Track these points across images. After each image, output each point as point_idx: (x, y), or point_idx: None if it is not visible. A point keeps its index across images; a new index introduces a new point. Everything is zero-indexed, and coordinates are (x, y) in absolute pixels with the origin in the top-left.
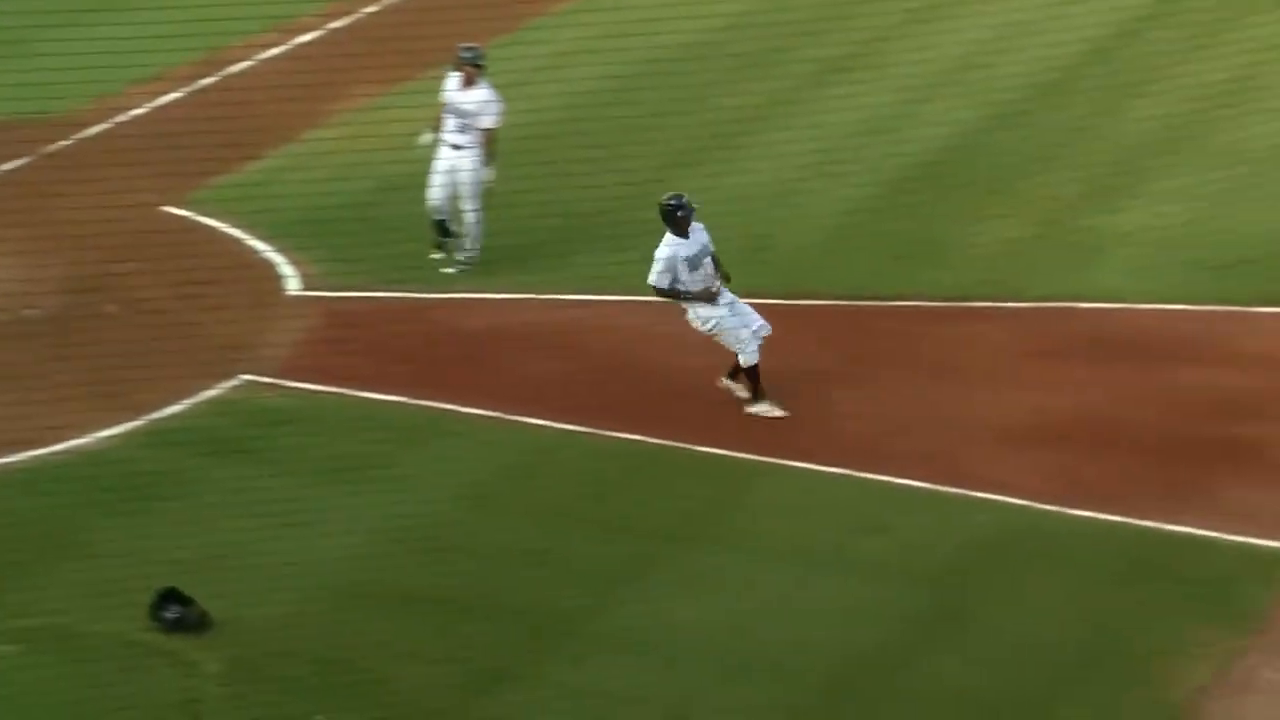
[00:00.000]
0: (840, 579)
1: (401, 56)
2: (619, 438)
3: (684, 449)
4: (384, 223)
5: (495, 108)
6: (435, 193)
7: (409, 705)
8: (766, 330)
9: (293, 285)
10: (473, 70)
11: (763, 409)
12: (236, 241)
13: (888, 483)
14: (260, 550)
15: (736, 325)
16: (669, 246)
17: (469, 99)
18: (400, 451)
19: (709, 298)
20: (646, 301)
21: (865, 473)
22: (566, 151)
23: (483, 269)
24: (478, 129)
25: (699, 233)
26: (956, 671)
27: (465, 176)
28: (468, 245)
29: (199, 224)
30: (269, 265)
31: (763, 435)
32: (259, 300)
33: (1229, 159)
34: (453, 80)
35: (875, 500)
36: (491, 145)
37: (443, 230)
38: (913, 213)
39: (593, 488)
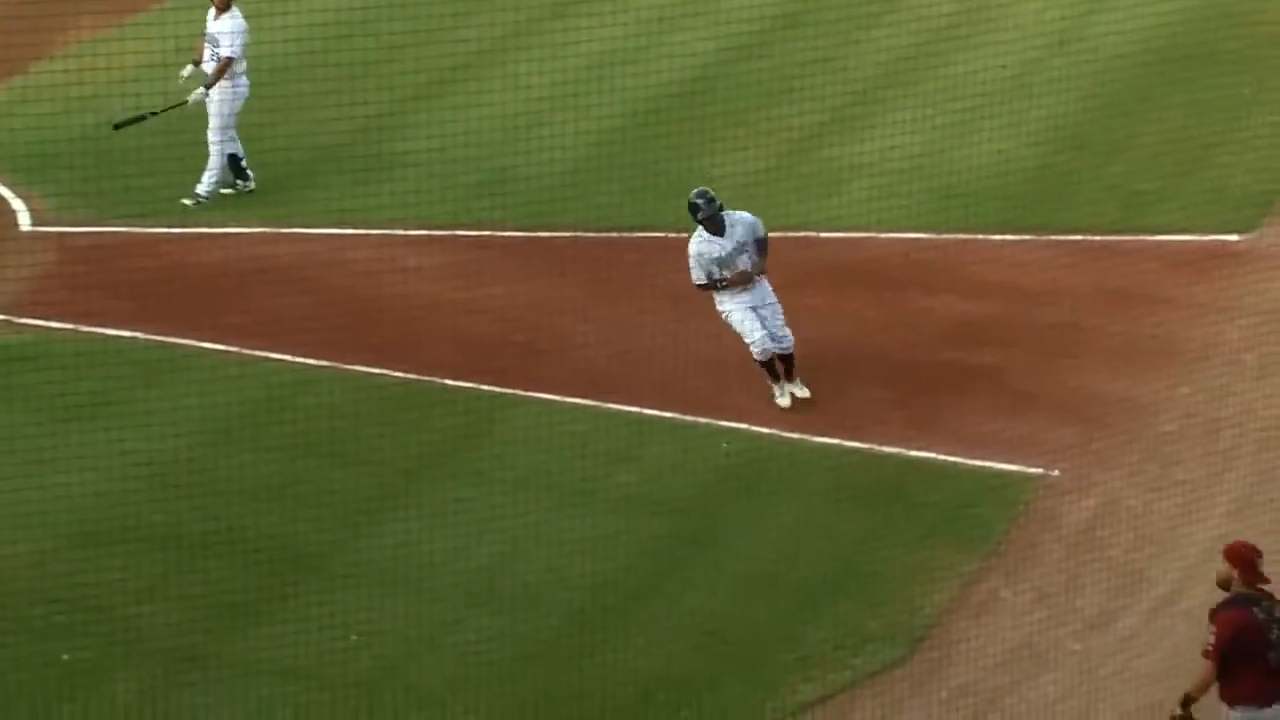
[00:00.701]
0: (588, 509)
1: None
2: (362, 372)
3: (429, 382)
4: (117, 156)
5: (240, 37)
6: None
7: (152, 643)
8: (789, 342)
9: (24, 221)
10: None
11: (778, 390)
12: None
13: (633, 413)
14: None
15: (750, 320)
16: (695, 244)
17: (219, 27)
18: (139, 388)
19: (745, 280)
20: (387, 235)
21: (611, 403)
22: (306, 84)
23: (220, 203)
24: (222, 57)
25: (739, 229)
26: (702, 598)
27: (212, 108)
28: (205, 179)
29: None
30: None
31: (506, 369)
32: None
33: (962, 89)
34: (212, 10)
35: (621, 431)
36: (225, 71)
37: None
38: (655, 144)
39: (337, 422)
